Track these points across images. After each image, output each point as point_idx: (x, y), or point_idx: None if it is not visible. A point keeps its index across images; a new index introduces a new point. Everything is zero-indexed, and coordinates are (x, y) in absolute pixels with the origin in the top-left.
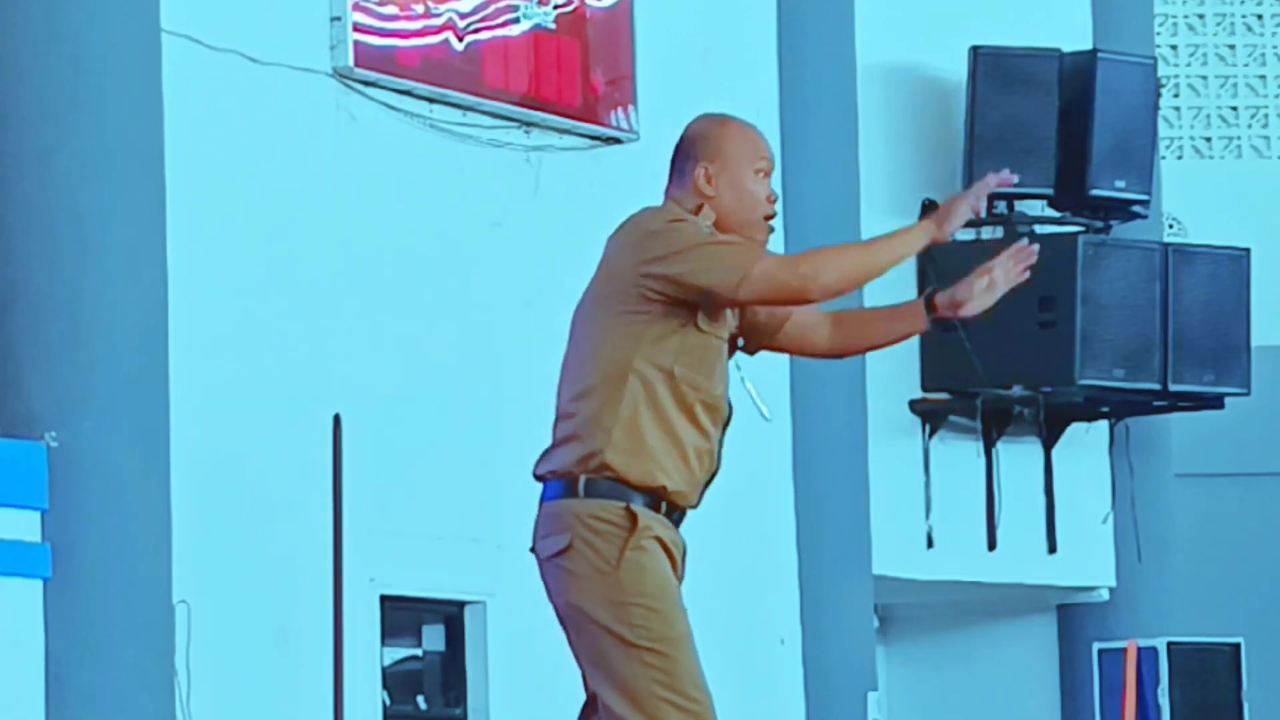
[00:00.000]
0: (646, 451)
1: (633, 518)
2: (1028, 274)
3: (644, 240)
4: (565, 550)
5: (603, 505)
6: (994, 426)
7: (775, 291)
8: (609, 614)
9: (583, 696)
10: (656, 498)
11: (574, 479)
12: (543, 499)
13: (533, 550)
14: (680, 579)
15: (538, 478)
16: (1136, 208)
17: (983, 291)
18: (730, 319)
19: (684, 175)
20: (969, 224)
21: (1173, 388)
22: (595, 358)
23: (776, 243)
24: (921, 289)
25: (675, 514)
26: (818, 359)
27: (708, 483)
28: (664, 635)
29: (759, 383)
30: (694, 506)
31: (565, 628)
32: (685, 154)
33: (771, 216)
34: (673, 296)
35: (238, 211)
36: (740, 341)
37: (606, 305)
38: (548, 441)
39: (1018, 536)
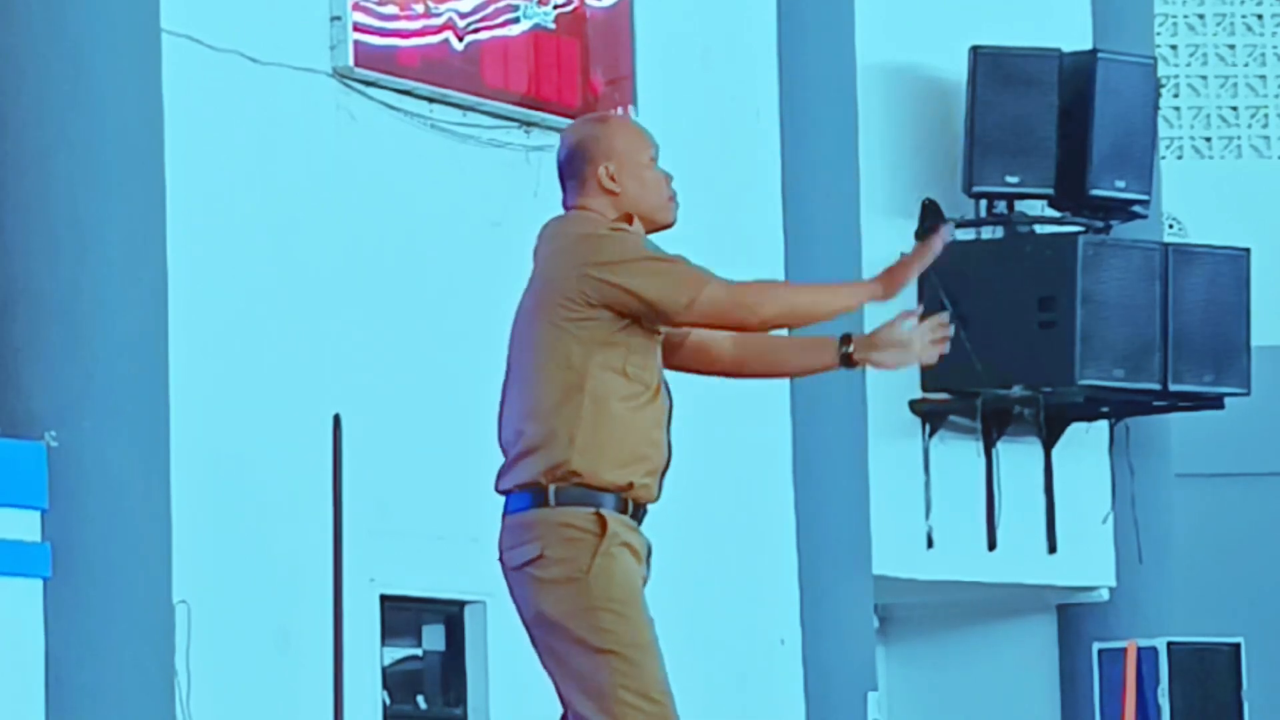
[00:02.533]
0: (609, 453)
1: (602, 524)
2: (942, 349)
3: (582, 244)
4: (536, 559)
5: (574, 513)
6: (994, 426)
7: (719, 317)
8: (577, 620)
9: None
10: (623, 499)
11: (543, 488)
12: (507, 511)
13: (500, 561)
14: (646, 580)
15: (500, 491)
16: (1136, 208)
17: (898, 348)
18: None
19: (584, 181)
20: (968, 223)
21: (1173, 388)
22: (547, 368)
23: (778, 246)
24: (921, 289)
25: (640, 513)
26: (711, 376)
27: (663, 473)
28: (630, 640)
29: (756, 382)
30: (655, 500)
31: (533, 636)
32: (579, 161)
33: (673, 196)
34: (619, 304)
35: (238, 211)
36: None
37: (548, 314)
38: None
39: (1018, 536)
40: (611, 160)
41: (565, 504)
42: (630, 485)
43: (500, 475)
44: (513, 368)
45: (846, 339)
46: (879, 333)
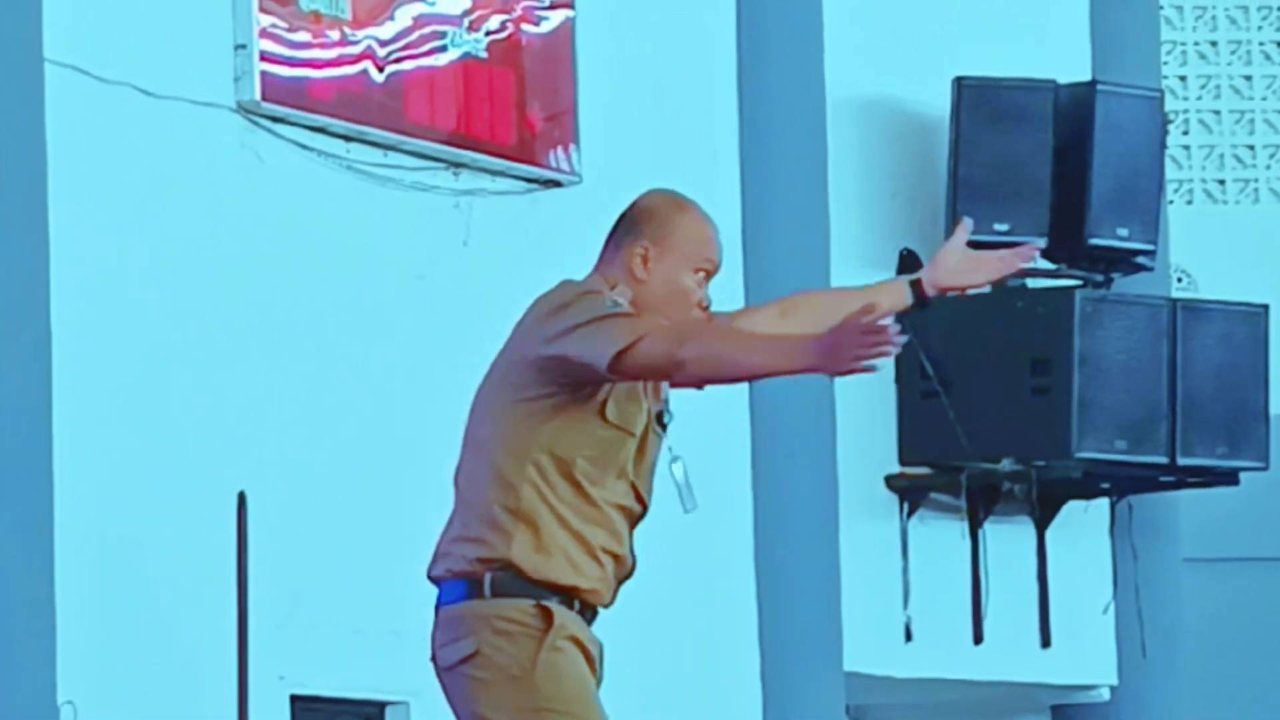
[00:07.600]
0: (554, 550)
1: (547, 615)
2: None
3: (552, 315)
4: (471, 657)
5: (513, 605)
6: (981, 505)
7: (647, 372)
8: None
9: None
10: (569, 596)
11: (477, 578)
12: (440, 603)
13: (432, 660)
14: (599, 681)
15: (432, 579)
16: (1141, 259)
17: (967, 269)
18: (644, 410)
19: (619, 248)
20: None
21: (1181, 461)
22: (494, 448)
23: (738, 302)
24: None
25: (588, 613)
26: None
27: (623, 580)
28: None
29: (713, 453)
30: (607, 605)
31: None
32: (630, 226)
33: (704, 307)
34: (570, 378)
35: (130, 264)
36: (667, 420)
37: (508, 390)
38: None
39: (1007, 629)
40: (657, 247)
41: (503, 595)
42: (575, 588)
43: (432, 560)
44: (468, 436)
45: (918, 283)
46: (945, 257)
